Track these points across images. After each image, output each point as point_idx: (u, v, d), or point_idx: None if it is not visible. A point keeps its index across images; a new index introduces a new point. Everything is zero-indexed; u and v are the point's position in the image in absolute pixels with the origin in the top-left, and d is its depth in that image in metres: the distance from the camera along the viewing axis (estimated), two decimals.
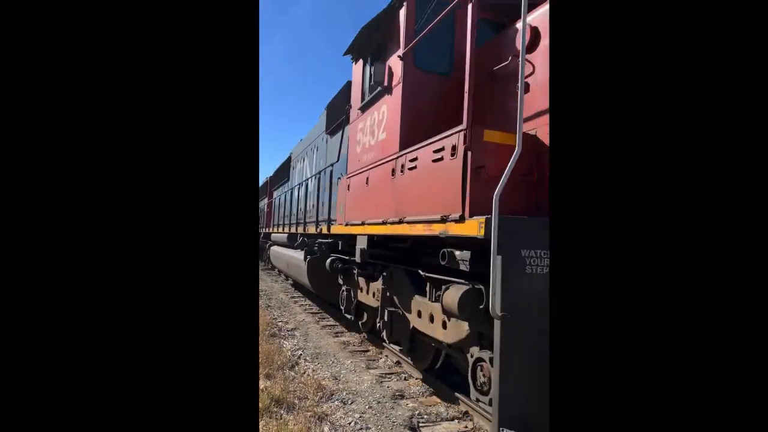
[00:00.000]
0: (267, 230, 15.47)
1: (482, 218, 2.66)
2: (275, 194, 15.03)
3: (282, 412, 3.59)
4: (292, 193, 10.65)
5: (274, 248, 12.21)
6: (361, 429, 3.38)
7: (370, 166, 4.69)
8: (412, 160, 3.70)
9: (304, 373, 4.76)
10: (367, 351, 5.73)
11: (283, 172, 13.74)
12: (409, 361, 4.78)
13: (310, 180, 8.80)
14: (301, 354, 5.53)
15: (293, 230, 9.77)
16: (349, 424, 3.47)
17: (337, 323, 7.43)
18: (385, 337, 4.68)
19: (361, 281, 5.55)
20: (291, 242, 9.77)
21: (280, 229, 11.68)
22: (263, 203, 17.99)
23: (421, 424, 3.45)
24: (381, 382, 4.48)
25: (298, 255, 8.15)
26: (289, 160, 12.56)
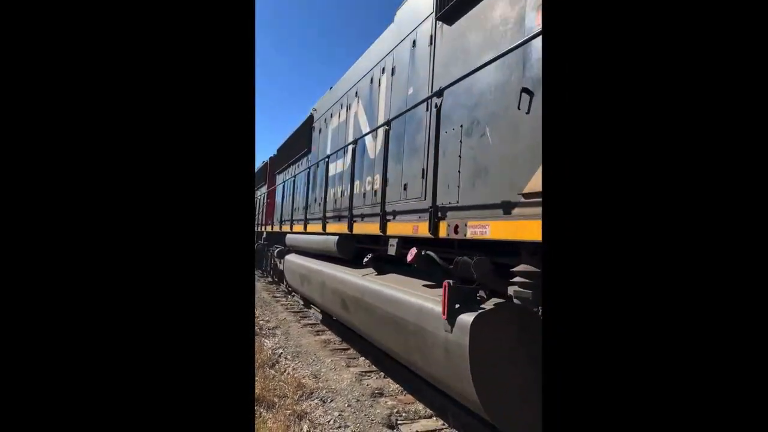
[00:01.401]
0: (267, 228, 11.41)
1: None
2: (281, 178, 10.95)
3: (262, 410, 3.60)
4: (347, 161, 5.73)
5: (295, 260, 7.37)
6: (340, 427, 3.42)
7: None
8: None
9: (285, 371, 4.77)
10: (348, 349, 5.77)
11: (296, 145, 9.55)
12: None
13: (378, 131, 4.57)
14: (281, 352, 5.54)
15: (349, 228, 4.94)
16: (329, 422, 3.50)
17: (318, 322, 7.45)
18: None
19: None
20: (346, 252, 5.16)
21: (313, 227, 6.79)
22: (261, 193, 13.66)
23: (399, 422, 3.50)
24: (361, 380, 4.52)
25: (409, 299, 3.17)
26: (309, 122, 8.47)
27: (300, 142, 9.15)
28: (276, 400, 3.83)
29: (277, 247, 9.94)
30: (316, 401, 3.93)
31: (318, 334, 6.62)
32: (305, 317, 7.93)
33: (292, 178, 9.13)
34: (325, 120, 7.37)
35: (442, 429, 3.41)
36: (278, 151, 11.99)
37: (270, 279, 12.14)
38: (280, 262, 9.26)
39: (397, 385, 4.35)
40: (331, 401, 3.94)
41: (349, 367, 4.99)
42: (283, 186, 9.92)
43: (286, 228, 8.91)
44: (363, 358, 5.35)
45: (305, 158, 8.71)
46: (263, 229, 12.07)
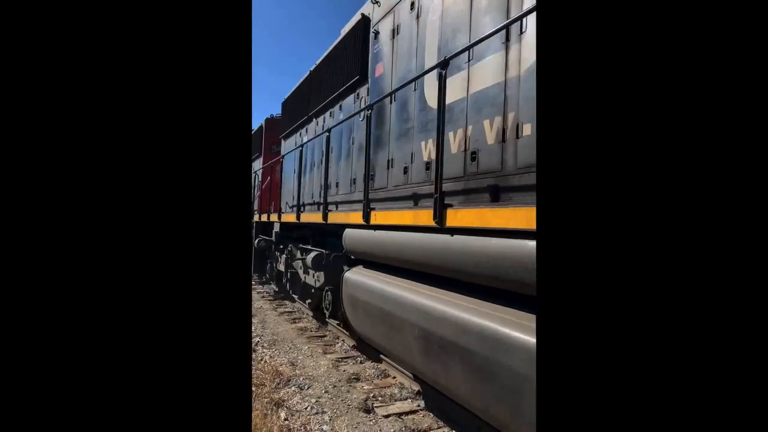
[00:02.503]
0: (283, 217, 7.34)
1: None
2: (291, 143, 7.89)
3: None
4: None
5: (390, 292, 3.58)
6: (317, 413, 3.49)
7: None
8: None
9: (261, 360, 4.81)
10: (324, 336, 5.83)
11: (330, 78, 5.95)
12: None
13: None
14: (258, 341, 5.56)
15: None
16: (306, 408, 3.57)
17: (294, 310, 7.48)
18: None
19: None
20: None
21: (467, 214, 2.63)
22: (257, 165, 10.47)
23: (375, 406, 3.59)
24: (337, 366, 4.60)
25: None
26: (359, 30, 5.08)
27: (340, 71, 5.51)
28: (253, 388, 3.87)
29: (308, 250, 5.89)
30: (293, 388, 3.98)
31: (294, 322, 6.66)
32: (281, 305, 7.95)
33: (306, 146, 5.57)
34: (413, 3, 4.00)
35: (417, 410, 3.52)
36: (285, 105, 8.27)
37: (274, 287, 8.86)
38: (310, 276, 5.89)
39: (374, 370, 4.45)
40: (309, 388, 4.00)
41: (325, 353, 5.05)
42: (327, 140, 5.32)
43: (339, 218, 4.83)
44: (339, 344, 5.42)
45: (353, 94, 5.21)
46: (270, 219, 8.03)
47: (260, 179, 9.47)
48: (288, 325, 6.43)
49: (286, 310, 7.55)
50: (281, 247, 7.60)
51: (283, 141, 8.53)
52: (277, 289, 8.54)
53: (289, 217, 6.62)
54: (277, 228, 7.69)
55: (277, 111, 9.51)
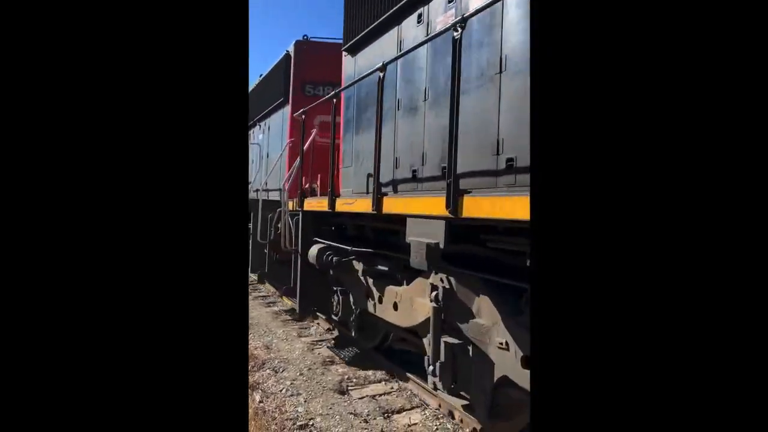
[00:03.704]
0: (348, 205, 3.65)
1: None
2: (389, 42, 3.62)
3: None
4: None
5: None
6: (292, 395, 3.52)
7: None
8: None
9: None
10: (300, 320, 5.85)
11: None
12: None
13: None
14: None
15: None
16: (281, 391, 3.60)
17: (268, 294, 7.46)
18: None
19: None
20: None
21: None
22: (277, 118, 6.87)
23: (349, 388, 3.65)
24: (312, 349, 4.64)
25: None
26: None
27: None
28: None
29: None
30: (268, 371, 4.00)
31: (269, 306, 6.65)
32: (256, 289, 7.91)
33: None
34: None
35: (391, 392, 3.60)
36: None
37: (333, 332, 5.10)
38: None
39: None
40: (283, 371, 4.03)
41: (300, 337, 5.08)
42: None
43: None
44: (315, 327, 5.45)
45: None
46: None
47: (288, 139, 5.57)
48: (263, 309, 6.42)
49: (261, 294, 7.47)
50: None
51: (349, 58, 4.67)
52: (337, 333, 4.98)
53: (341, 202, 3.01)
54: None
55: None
